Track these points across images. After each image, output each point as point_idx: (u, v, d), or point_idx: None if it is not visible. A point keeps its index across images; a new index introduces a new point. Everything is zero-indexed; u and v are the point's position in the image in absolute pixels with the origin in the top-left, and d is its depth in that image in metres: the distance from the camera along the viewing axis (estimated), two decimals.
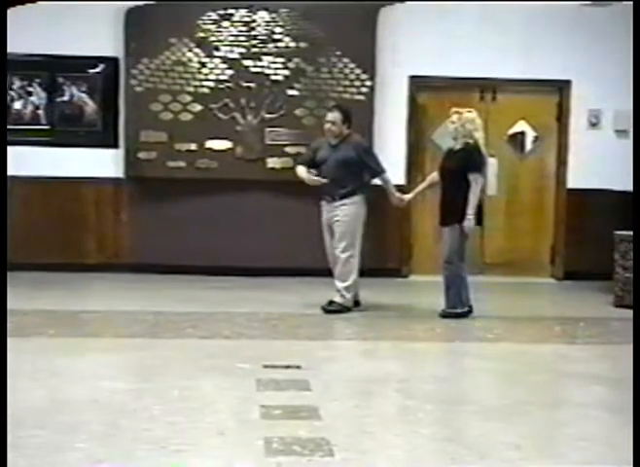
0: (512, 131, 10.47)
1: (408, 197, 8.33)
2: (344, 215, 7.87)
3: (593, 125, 10.40)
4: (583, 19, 10.17)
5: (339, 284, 7.90)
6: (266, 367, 5.93)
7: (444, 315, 7.83)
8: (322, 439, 4.42)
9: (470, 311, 7.90)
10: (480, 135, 7.82)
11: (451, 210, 7.73)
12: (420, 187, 8.47)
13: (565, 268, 10.43)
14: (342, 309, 7.87)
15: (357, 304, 8.12)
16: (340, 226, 7.88)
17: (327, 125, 7.99)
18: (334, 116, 7.98)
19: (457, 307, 7.85)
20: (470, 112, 7.88)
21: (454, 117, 7.84)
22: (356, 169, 7.88)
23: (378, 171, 8.05)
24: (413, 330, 7.57)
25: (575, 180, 10.37)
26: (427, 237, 10.28)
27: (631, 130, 10.14)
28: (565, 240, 10.43)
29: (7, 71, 9.63)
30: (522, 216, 10.52)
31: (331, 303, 7.92)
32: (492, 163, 10.36)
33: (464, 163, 7.70)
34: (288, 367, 5.95)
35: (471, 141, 7.76)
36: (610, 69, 10.13)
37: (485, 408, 5.18)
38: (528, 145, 10.56)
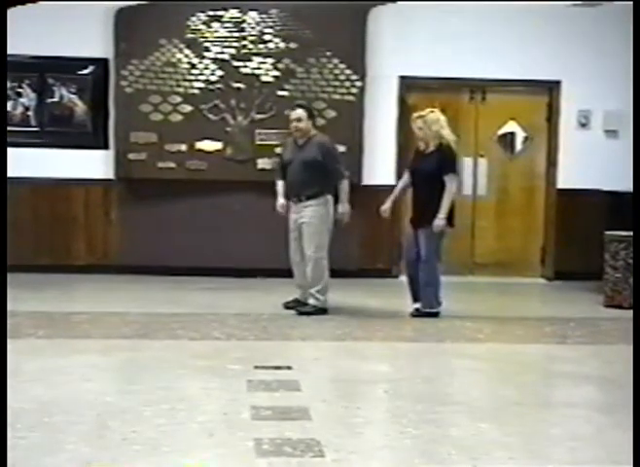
0: (501, 132, 10.48)
1: (385, 207, 8.07)
2: (311, 216, 7.80)
3: (583, 125, 10.42)
4: (573, 20, 10.19)
5: (313, 288, 7.86)
6: (256, 368, 5.92)
7: (419, 314, 7.85)
8: (312, 440, 4.42)
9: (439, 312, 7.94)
10: (447, 132, 7.81)
11: (427, 212, 7.71)
12: (395, 193, 8.26)
13: (555, 268, 10.45)
14: (317, 311, 7.83)
15: (289, 306, 8.06)
16: (308, 227, 7.82)
17: (293, 124, 7.92)
18: (298, 113, 7.90)
19: (433, 307, 7.87)
20: (432, 112, 7.86)
21: (419, 122, 7.79)
22: (322, 170, 7.78)
23: (336, 176, 7.89)
24: (404, 330, 7.57)
25: (565, 180, 10.39)
26: None
27: (621, 131, 10.18)
28: (555, 241, 10.45)
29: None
30: (512, 216, 10.54)
31: (304, 305, 7.91)
32: (482, 164, 10.41)
33: (439, 165, 7.70)
34: (278, 368, 5.95)
35: (443, 141, 7.76)
36: (600, 69, 10.16)
37: (475, 408, 5.18)
38: (518, 145, 10.57)
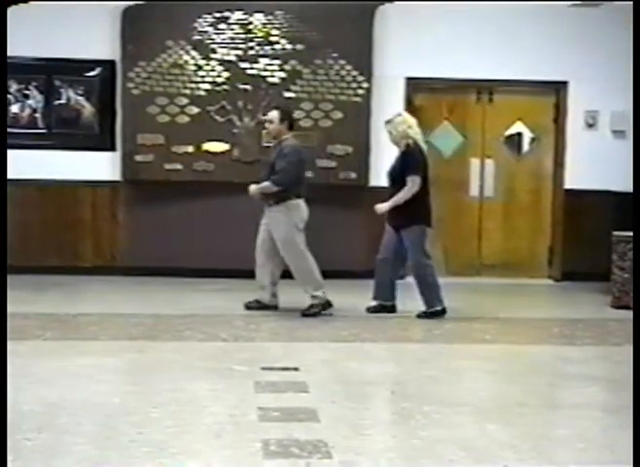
0: (508, 132, 10.47)
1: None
2: (277, 222, 7.79)
3: (590, 125, 10.40)
4: (580, 20, 10.18)
5: (307, 289, 7.85)
6: (263, 369, 5.93)
7: (424, 315, 7.88)
8: (320, 441, 4.42)
9: (444, 310, 7.93)
10: (414, 132, 7.91)
11: (403, 213, 7.77)
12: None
13: (563, 269, 10.43)
14: (321, 310, 7.83)
15: (275, 308, 8.05)
16: (276, 233, 7.81)
17: (265, 125, 7.99)
18: (270, 115, 7.93)
19: (435, 306, 7.88)
20: (399, 115, 8.05)
21: (388, 126, 7.96)
22: None
23: (272, 177, 7.76)
24: (411, 331, 7.57)
25: (572, 181, 10.37)
26: None
27: (629, 131, 10.16)
28: (562, 241, 10.43)
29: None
30: (519, 217, 10.53)
31: (310, 307, 7.89)
32: (489, 164, 10.40)
33: (403, 166, 7.80)
34: (285, 369, 5.95)
35: (410, 141, 7.84)
36: (607, 70, 10.14)
37: (482, 409, 5.18)
38: (525, 146, 10.56)
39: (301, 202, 7.86)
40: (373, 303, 8.11)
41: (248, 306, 8.06)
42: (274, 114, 7.90)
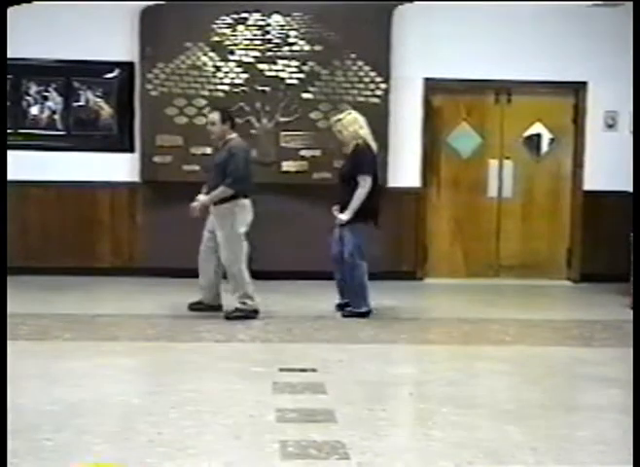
0: (527, 133, 10.42)
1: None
2: (224, 220, 7.73)
3: (610, 126, 10.35)
4: (599, 20, 10.12)
5: (234, 294, 7.76)
6: (281, 370, 5.94)
7: (347, 315, 7.88)
8: (337, 442, 4.43)
9: (370, 311, 7.92)
10: (364, 132, 7.89)
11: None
12: None
13: (581, 270, 10.38)
14: (245, 316, 7.72)
15: (219, 307, 7.95)
16: (220, 231, 7.75)
17: (207, 127, 7.97)
18: (211, 117, 7.89)
19: (361, 307, 7.88)
20: (349, 114, 8.00)
21: (338, 126, 7.92)
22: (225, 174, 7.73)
23: (226, 181, 7.67)
24: (429, 333, 7.56)
25: (591, 182, 10.32)
26: (442, 240, 10.28)
27: None
28: (581, 243, 10.38)
29: (23, 76, 9.72)
30: (538, 218, 10.48)
31: (210, 307, 7.85)
32: (507, 166, 10.36)
33: (353, 166, 7.79)
34: (304, 370, 5.96)
35: (360, 141, 7.83)
36: (626, 70, 10.04)
37: (501, 411, 5.17)
38: (544, 147, 10.51)
39: (247, 203, 7.81)
40: (342, 301, 8.06)
41: (192, 308, 7.97)
42: (215, 116, 7.85)
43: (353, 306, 7.92)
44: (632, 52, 8.47)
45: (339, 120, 7.94)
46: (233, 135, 7.90)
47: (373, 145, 7.95)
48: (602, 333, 7.55)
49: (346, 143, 7.96)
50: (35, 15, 9.41)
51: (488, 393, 5.70)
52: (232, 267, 7.75)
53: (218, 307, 7.95)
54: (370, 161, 7.85)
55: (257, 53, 9.80)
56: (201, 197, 7.81)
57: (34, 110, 9.88)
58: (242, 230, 7.77)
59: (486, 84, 10.13)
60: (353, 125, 7.86)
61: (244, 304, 7.76)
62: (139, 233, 10.00)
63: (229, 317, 7.72)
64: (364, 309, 7.88)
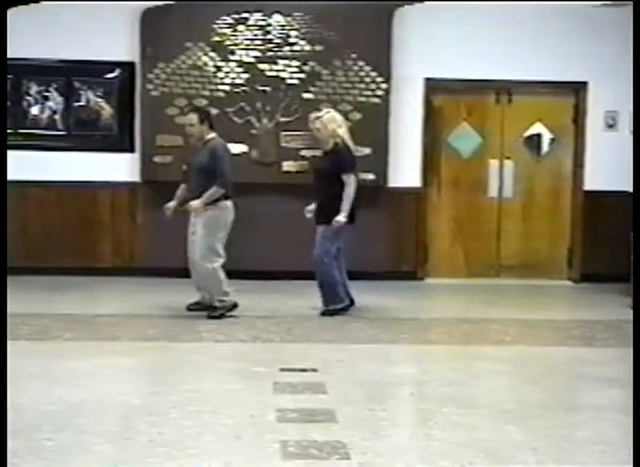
0: (528, 133, 10.42)
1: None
2: (204, 223, 7.69)
3: (610, 126, 10.35)
4: (599, 20, 10.12)
5: (215, 298, 7.77)
6: (282, 370, 5.94)
7: (323, 313, 7.89)
8: (338, 442, 4.43)
9: (352, 304, 7.94)
10: (343, 131, 7.90)
11: (326, 211, 7.76)
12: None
13: (582, 270, 10.38)
14: (230, 309, 7.76)
15: (191, 308, 7.97)
16: (201, 229, 7.73)
17: (186, 128, 7.94)
18: (189, 117, 7.87)
19: (335, 303, 7.89)
20: (329, 112, 8.01)
21: (317, 123, 7.90)
22: (212, 175, 7.66)
23: (217, 181, 7.63)
24: (429, 333, 7.56)
25: (592, 182, 10.32)
26: (443, 240, 10.27)
27: None
28: (582, 243, 10.38)
29: (24, 76, 9.71)
30: (539, 218, 10.48)
31: (208, 307, 7.83)
32: (508, 166, 10.36)
33: (335, 165, 7.77)
34: (304, 370, 5.96)
35: (338, 140, 7.84)
36: (627, 70, 10.03)
37: (502, 411, 5.17)
38: (544, 147, 10.51)
39: (229, 204, 7.80)
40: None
41: (190, 309, 7.96)
42: (193, 116, 7.83)
43: (325, 304, 7.92)
44: (632, 52, 8.48)
45: (318, 117, 7.92)
46: (213, 135, 7.88)
47: (351, 144, 7.95)
48: (603, 333, 7.54)
49: (323, 141, 7.95)
50: (35, 15, 9.41)
51: (489, 393, 5.70)
52: (208, 265, 7.74)
53: (191, 308, 7.98)
54: (352, 160, 7.88)
55: (257, 54, 9.79)
56: (195, 202, 7.72)
57: (34, 110, 9.88)
58: (223, 231, 7.78)
59: (487, 84, 10.13)
60: (332, 123, 7.85)
61: (222, 301, 7.78)
62: (139, 233, 10.00)
63: (211, 316, 7.73)
64: (339, 306, 7.89)
